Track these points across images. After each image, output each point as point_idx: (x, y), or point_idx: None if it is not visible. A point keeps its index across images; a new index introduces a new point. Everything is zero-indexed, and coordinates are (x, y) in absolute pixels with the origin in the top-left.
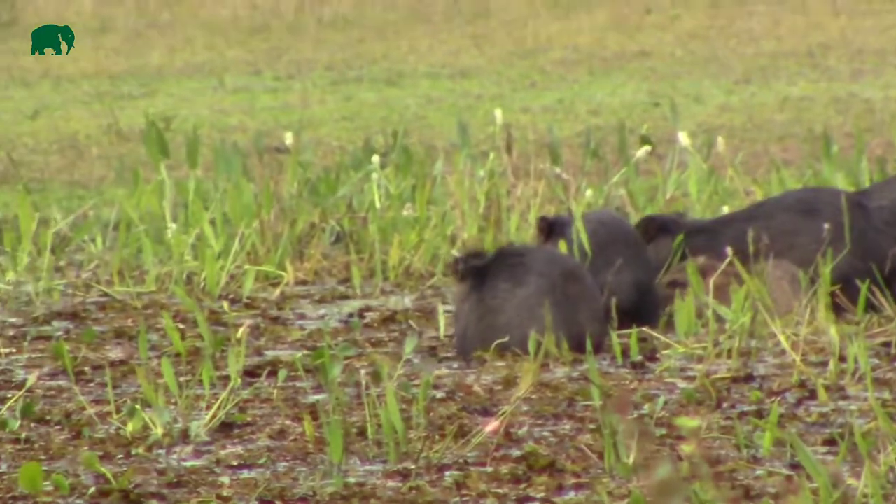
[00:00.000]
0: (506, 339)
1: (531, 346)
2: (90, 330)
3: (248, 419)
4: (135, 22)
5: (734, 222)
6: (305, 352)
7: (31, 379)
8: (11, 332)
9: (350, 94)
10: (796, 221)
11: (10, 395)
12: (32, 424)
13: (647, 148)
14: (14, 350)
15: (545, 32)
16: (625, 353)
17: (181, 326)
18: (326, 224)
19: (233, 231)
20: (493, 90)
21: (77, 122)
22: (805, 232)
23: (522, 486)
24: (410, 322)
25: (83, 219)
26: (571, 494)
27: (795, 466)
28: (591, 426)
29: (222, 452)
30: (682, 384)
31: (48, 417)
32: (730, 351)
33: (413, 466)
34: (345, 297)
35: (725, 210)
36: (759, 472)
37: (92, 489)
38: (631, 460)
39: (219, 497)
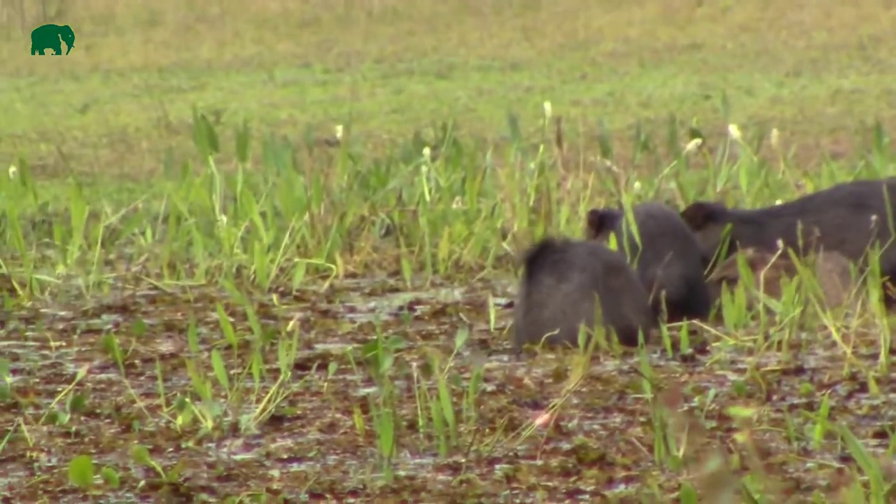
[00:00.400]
0: (553, 332)
1: (581, 339)
2: (140, 323)
3: (299, 412)
4: (184, 15)
5: (783, 215)
6: (356, 345)
7: (82, 372)
8: (61, 326)
9: (400, 86)
10: (847, 216)
11: (60, 389)
12: (82, 418)
13: (697, 140)
14: (64, 343)
15: (595, 24)
16: (675, 345)
17: (231, 320)
18: (376, 217)
19: (283, 224)
20: (543, 82)
21: (126, 115)
22: (856, 226)
23: (572, 479)
24: (460, 315)
25: (133, 212)
26: (621, 487)
27: (846, 459)
28: (642, 419)
29: (272, 446)
30: (732, 377)
31: (98, 411)
32: (780, 343)
33: (463, 459)
34: (395, 289)
35: (776, 203)
36: (809, 465)
37: (142, 482)
38: (681, 453)
39: (269, 490)
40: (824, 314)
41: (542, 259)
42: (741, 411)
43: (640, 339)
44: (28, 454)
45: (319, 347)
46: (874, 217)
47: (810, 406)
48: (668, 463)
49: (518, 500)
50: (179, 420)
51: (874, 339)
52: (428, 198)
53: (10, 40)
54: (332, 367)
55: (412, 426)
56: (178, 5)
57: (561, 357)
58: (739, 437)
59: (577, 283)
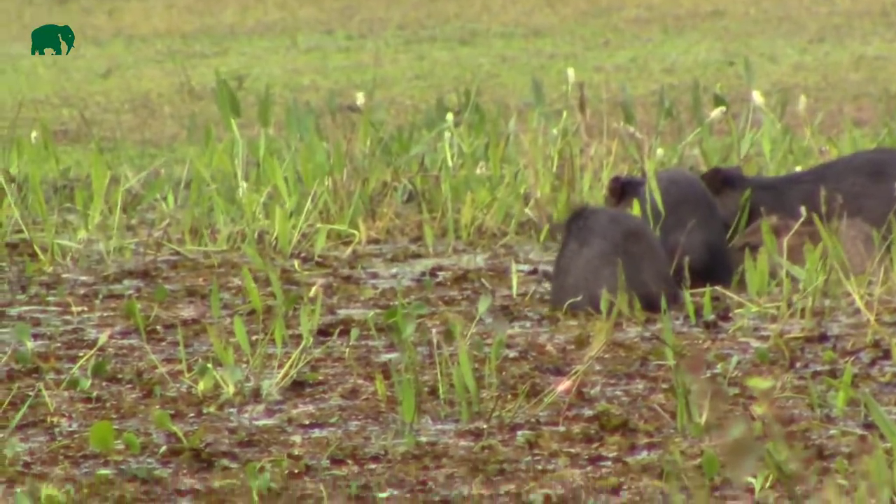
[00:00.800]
0: (576, 299)
1: (603, 306)
2: (162, 288)
3: (320, 378)
4: None
5: (801, 182)
6: (378, 311)
7: (103, 338)
8: (83, 291)
9: (423, 53)
10: (865, 183)
11: (81, 354)
12: (104, 383)
13: (721, 108)
14: (85, 309)
15: None
16: (697, 312)
17: (252, 286)
18: (399, 183)
19: (305, 190)
20: (566, 49)
21: (149, 80)
22: (873, 195)
23: (595, 445)
24: (483, 281)
25: (155, 177)
26: (644, 454)
27: (869, 426)
28: (664, 385)
29: (294, 411)
30: (755, 344)
31: (119, 376)
32: (803, 310)
33: (485, 426)
34: (417, 255)
35: (797, 170)
36: (832, 432)
37: (163, 448)
38: (703, 420)
39: (290, 456)
40: (848, 281)
41: (572, 226)
42: (760, 383)
43: (663, 305)
44: (49, 419)
45: (341, 313)
46: None
47: (833, 373)
48: (691, 430)
49: (540, 467)
50: (201, 385)
51: None
52: (451, 164)
53: (32, 5)
54: (354, 332)
55: (434, 392)
56: None
57: (583, 323)
58: (758, 409)
59: (598, 249)
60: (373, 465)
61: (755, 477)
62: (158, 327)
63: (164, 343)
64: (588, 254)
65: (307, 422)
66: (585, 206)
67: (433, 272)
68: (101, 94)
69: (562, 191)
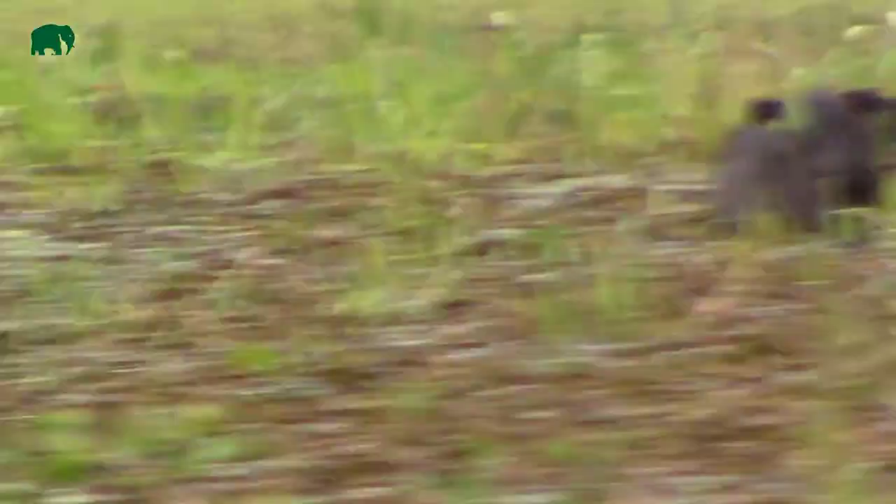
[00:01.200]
0: (720, 219)
1: (746, 226)
2: (303, 208)
3: (464, 298)
4: None
5: None
6: (520, 230)
7: (242, 258)
8: (222, 211)
9: None
10: None
11: (220, 275)
12: (243, 303)
13: (860, 27)
14: (225, 229)
15: None
16: (843, 233)
17: (393, 206)
18: (539, 103)
19: (445, 110)
20: None
21: None
22: None
23: (737, 366)
24: (624, 201)
25: (295, 97)
26: (791, 375)
27: None
28: (810, 306)
29: (437, 332)
30: None
31: (259, 297)
32: None
33: (630, 346)
34: (558, 175)
35: None
36: None
37: (306, 369)
38: (851, 341)
39: (433, 378)
40: None
41: (728, 144)
42: None
43: (808, 226)
44: (189, 340)
45: (484, 233)
46: None
47: None
48: (836, 351)
49: (682, 388)
50: (342, 306)
51: None
52: (590, 84)
53: None
54: (497, 252)
55: (578, 312)
56: None
57: (726, 244)
58: None
59: (743, 168)
60: (516, 387)
61: None
62: (299, 247)
63: (304, 263)
64: (733, 172)
65: (450, 343)
66: (742, 124)
67: (574, 192)
68: (240, 12)
69: (702, 111)
